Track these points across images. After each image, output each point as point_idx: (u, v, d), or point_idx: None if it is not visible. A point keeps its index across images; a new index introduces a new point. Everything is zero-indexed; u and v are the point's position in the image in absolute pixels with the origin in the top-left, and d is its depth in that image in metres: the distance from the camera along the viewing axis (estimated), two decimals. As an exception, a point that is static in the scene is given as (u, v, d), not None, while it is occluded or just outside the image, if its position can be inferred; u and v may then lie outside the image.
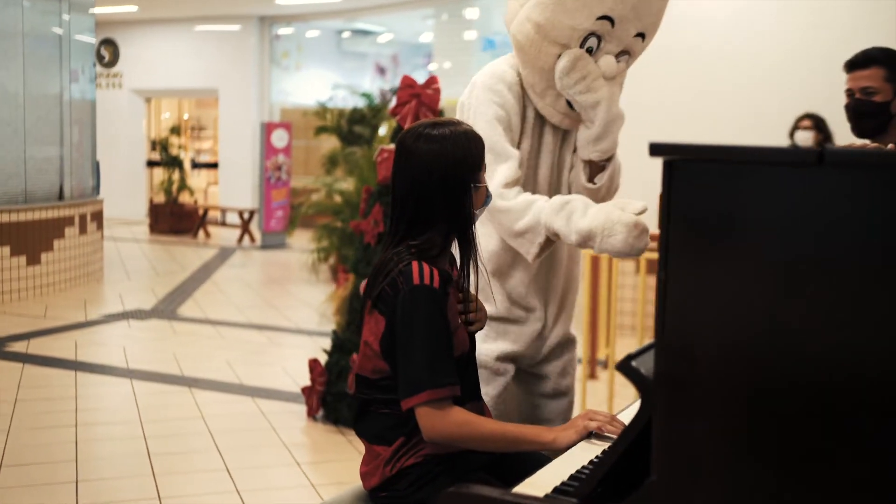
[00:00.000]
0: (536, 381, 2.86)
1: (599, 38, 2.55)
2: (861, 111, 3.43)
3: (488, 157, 2.50)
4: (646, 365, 1.39)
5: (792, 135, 6.53)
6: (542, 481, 1.73)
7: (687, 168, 1.17)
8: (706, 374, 1.22)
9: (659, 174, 1.25)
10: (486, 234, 2.67)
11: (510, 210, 2.53)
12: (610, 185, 2.74)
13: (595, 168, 2.71)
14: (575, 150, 2.75)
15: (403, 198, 2.18)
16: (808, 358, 1.19)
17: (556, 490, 1.66)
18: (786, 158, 1.17)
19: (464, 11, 15.09)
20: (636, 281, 7.12)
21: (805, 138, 6.38)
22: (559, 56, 2.56)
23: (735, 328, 1.21)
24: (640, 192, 3.15)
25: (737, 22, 7.56)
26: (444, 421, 2.04)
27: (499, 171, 2.56)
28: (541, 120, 2.72)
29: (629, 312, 7.19)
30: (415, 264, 2.09)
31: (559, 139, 2.75)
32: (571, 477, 1.74)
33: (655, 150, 1.17)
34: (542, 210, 2.50)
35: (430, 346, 2.04)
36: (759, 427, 1.22)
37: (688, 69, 7.56)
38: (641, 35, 2.60)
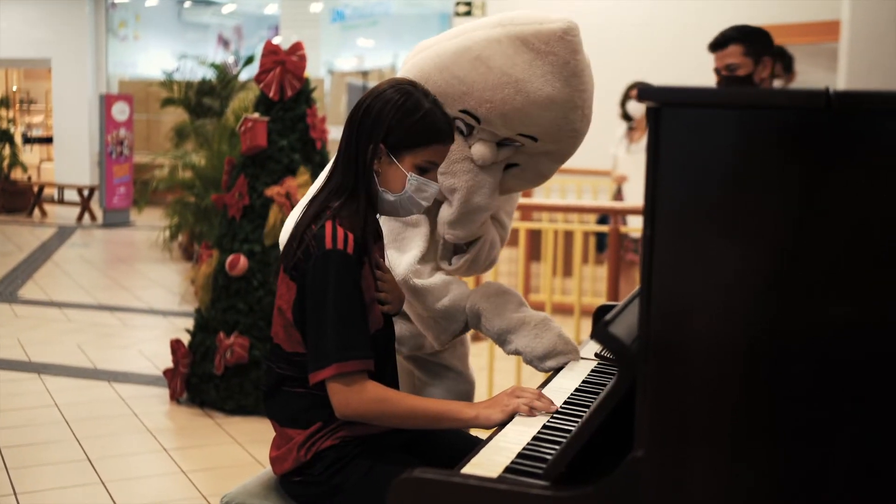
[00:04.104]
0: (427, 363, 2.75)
1: (471, 126, 2.30)
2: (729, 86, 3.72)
3: (395, 225, 2.39)
4: (622, 331, 1.30)
5: (623, 104, 6.65)
6: (487, 461, 1.61)
7: (677, 114, 1.08)
8: (699, 340, 1.14)
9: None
10: None
11: (430, 289, 2.39)
12: (472, 267, 2.53)
13: (454, 248, 2.50)
14: None
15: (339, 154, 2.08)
16: (810, 322, 1.13)
17: (510, 470, 1.55)
18: (787, 102, 1.09)
19: (311, -18, 14.77)
20: (514, 254, 7.11)
21: (637, 108, 6.49)
22: None
23: (731, 289, 1.13)
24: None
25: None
26: (358, 397, 1.91)
27: (409, 242, 2.40)
28: None
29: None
30: (328, 226, 1.95)
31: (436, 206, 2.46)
32: (521, 455, 1.63)
33: (643, 94, 1.08)
34: (464, 294, 2.41)
35: (340, 316, 1.90)
36: (755, 396, 1.15)
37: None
38: (532, 138, 2.30)
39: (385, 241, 2.34)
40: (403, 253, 2.39)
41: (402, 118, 2.01)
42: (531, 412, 1.91)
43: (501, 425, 1.87)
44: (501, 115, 2.23)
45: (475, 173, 2.33)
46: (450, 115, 2.13)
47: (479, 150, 2.31)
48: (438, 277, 2.42)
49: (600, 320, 1.47)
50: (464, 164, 2.32)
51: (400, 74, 2.31)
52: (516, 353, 2.40)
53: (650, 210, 1.11)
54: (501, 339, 2.41)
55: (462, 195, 2.33)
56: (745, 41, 3.69)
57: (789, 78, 5.51)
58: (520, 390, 1.97)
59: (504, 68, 2.17)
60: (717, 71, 3.77)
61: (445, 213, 2.38)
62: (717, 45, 3.76)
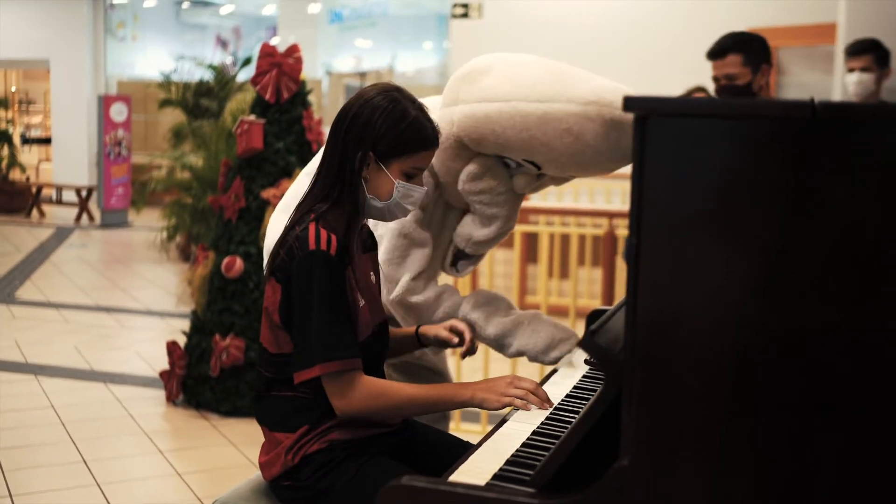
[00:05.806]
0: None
1: (519, 164, 2.31)
2: (729, 96, 3.69)
3: (402, 242, 2.41)
4: (609, 339, 1.31)
5: None
6: (475, 468, 1.62)
7: (663, 124, 1.09)
8: (686, 348, 1.15)
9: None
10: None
11: (426, 305, 2.44)
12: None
13: (462, 255, 2.55)
14: None
15: (325, 157, 2.10)
16: (798, 330, 1.13)
17: (499, 477, 1.56)
18: (773, 112, 1.10)
19: (309, -17, 14.78)
20: (508, 256, 7.12)
21: None
22: (471, 159, 2.31)
23: (718, 297, 1.13)
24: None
25: None
26: (356, 395, 1.94)
27: (413, 261, 2.43)
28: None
29: (501, 287, 7.18)
30: (312, 227, 1.97)
31: (458, 216, 2.52)
32: (509, 462, 1.64)
33: (630, 104, 1.09)
34: (457, 304, 2.46)
35: (324, 316, 1.93)
36: (742, 404, 1.15)
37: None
38: (571, 176, 2.40)
39: (389, 257, 2.37)
40: (404, 271, 2.42)
41: (390, 126, 2.02)
42: (526, 406, 1.94)
43: (492, 430, 1.88)
44: (560, 166, 2.28)
45: (514, 202, 2.41)
46: (437, 124, 2.13)
47: (520, 181, 2.36)
48: (432, 290, 2.45)
49: (588, 328, 1.48)
50: (508, 195, 2.37)
51: (464, 118, 2.23)
52: (519, 354, 2.44)
53: (636, 218, 1.12)
54: (500, 345, 2.45)
55: (501, 223, 2.40)
56: (743, 50, 3.71)
57: (885, 73, 5.19)
58: (518, 380, 2.00)
59: (592, 143, 2.16)
60: (716, 79, 3.79)
61: (478, 232, 2.41)
62: (715, 54, 3.77)
